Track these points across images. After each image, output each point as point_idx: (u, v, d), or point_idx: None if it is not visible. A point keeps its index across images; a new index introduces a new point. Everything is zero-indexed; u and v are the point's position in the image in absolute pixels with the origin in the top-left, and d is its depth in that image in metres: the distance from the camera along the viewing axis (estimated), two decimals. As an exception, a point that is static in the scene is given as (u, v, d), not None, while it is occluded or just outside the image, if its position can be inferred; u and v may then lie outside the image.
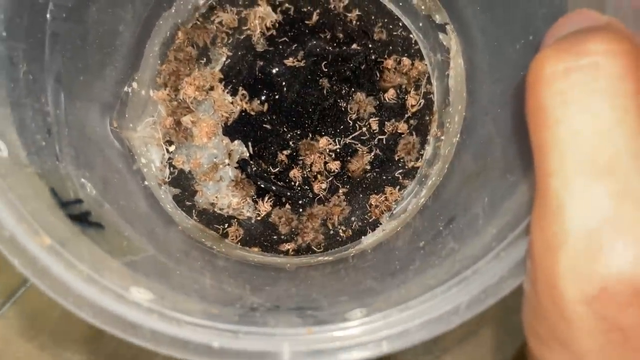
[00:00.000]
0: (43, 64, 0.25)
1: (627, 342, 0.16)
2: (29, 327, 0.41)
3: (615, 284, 0.15)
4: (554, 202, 0.16)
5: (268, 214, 0.35)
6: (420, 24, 0.35)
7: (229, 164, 0.35)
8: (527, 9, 0.25)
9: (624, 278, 0.15)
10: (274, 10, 0.36)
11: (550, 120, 0.17)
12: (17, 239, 0.19)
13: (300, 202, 0.35)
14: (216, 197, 0.35)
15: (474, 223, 0.23)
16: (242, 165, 0.35)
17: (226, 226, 0.34)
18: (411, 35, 0.36)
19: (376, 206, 0.34)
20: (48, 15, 0.25)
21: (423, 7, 0.34)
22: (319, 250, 0.34)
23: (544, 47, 0.19)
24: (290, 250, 0.34)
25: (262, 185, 0.35)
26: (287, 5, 0.36)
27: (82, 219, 0.23)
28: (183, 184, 0.35)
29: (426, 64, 0.35)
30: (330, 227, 0.35)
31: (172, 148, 0.35)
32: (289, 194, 0.35)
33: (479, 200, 0.25)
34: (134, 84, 0.34)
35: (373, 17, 0.36)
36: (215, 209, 0.35)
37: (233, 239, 0.34)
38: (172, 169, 0.35)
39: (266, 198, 0.35)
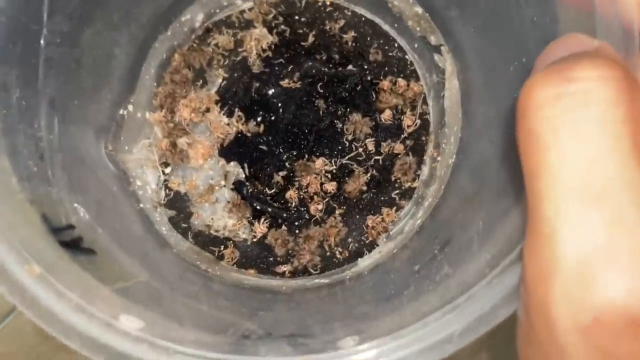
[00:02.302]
0: (37, 89, 0.25)
1: (620, 372, 0.15)
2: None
3: (608, 314, 0.15)
4: (546, 228, 0.16)
5: (264, 236, 0.34)
6: (416, 45, 0.35)
7: (224, 186, 0.35)
8: (520, 32, 0.25)
9: (616, 308, 0.15)
10: (270, 32, 0.36)
11: (541, 145, 0.16)
12: (6, 267, 0.19)
13: (296, 223, 0.35)
14: (212, 218, 0.35)
15: (468, 247, 0.23)
16: (238, 186, 0.35)
17: (222, 248, 0.34)
18: (407, 56, 0.36)
19: (373, 227, 0.34)
20: (42, 41, 0.25)
21: (418, 29, 0.34)
22: (315, 272, 0.34)
23: (534, 72, 0.19)
24: (287, 272, 0.34)
25: (258, 207, 0.35)
26: (283, 27, 0.36)
27: (73, 245, 0.23)
28: (179, 206, 0.35)
29: (422, 85, 0.35)
30: (327, 249, 0.34)
31: (167, 170, 0.35)
32: (285, 215, 0.35)
33: (474, 224, 0.24)
34: (130, 107, 0.34)
35: (369, 39, 0.36)
36: (211, 231, 0.34)
37: (229, 261, 0.34)
38: (167, 190, 0.35)
39: (262, 220, 0.35)
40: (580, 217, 0.16)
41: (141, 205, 0.33)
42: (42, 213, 0.22)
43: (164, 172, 0.35)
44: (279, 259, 0.34)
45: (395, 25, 0.35)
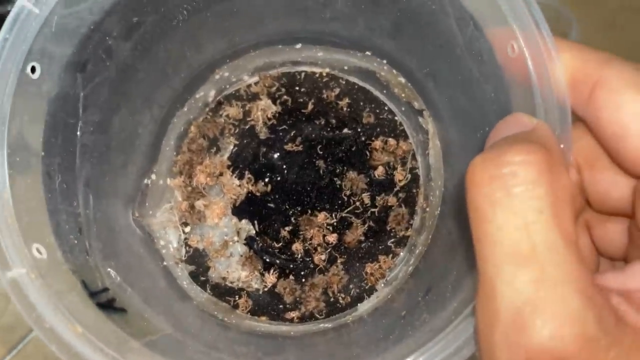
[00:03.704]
0: (74, 173, 0.30)
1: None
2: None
3: (537, 355, 0.18)
4: (488, 285, 0.20)
5: (274, 285, 0.38)
6: (403, 109, 0.39)
7: (237, 241, 0.39)
8: (483, 104, 0.29)
9: (543, 350, 0.18)
10: (274, 102, 0.41)
11: (482, 217, 0.20)
12: (55, 329, 0.23)
13: (302, 273, 0.39)
14: (227, 271, 0.39)
15: (444, 295, 0.27)
16: (249, 242, 0.39)
17: (237, 298, 0.38)
18: (396, 118, 0.40)
19: (371, 274, 0.38)
20: (78, 132, 0.30)
21: (403, 95, 0.38)
22: (320, 317, 0.37)
23: (484, 148, 0.23)
24: (295, 318, 0.38)
25: (268, 259, 0.39)
26: (285, 97, 0.41)
27: (108, 305, 0.27)
28: (198, 261, 0.39)
29: (410, 143, 0.39)
30: (331, 295, 0.38)
31: (187, 229, 0.39)
32: (292, 266, 0.39)
33: (450, 273, 0.28)
34: (153, 176, 0.39)
35: (361, 104, 0.40)
36: (227, 283, 0.38)
37: (243, 310, 0.38)
38: (187, 248, 0.39)
39: (272, 271, 0.39)
40: (513, 276, 0.19)
41: (165, 262, 0.37)
42: (82, 280, 0.27)
43: (184, 232, 0.39)
44: (287, 306, 0.38)
45: (384, 91, 0.40)
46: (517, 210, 0.20)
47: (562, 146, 0.23)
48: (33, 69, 0.27)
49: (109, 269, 0.30)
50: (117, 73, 0.32)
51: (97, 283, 0.28)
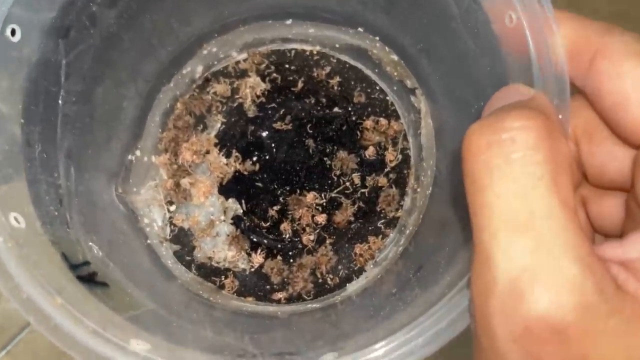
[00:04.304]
0: (55, 143, 0.29)
1: (547, 374, 0.18)
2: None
3: (535, 324, 0.18)
4: (484, 254, 0.19)
5: (261, 266, 0.38)
6: (395, 88, 0.39)
7: (224, 221, 0.38)
8: (478, 79, 0.28)
9: (541, 319, 0.18)
10: (263, 80, 0.40)
11: (479, 185, 0.20)
12: (33, 300, 0.22)
13: (290, 253, 0.38)
14: (213, 251, 0.38)
15: (436, 271, 0.26)
16: (236, 221, 0.38)
17: (223, 278, 0.37)
18: (387, 98, 0.39)
19: (361, 255, 0.37)
20: (60, 101, 0.29)
21: (395, 74, 0.38)
22: (308, 298, 0.37)
23: (482, 117, 0.23)
24: (282, 299, 0.37)
25: (255, 239, 0.38)
26: (274, 75, 0.40)
27: (89, 279, 0.26)
28: (183, 241, 0.38)
29: (402, 123, 0.39)
30: (319, 276, 0.37)
31: (172, 208, 0.38)
32: (279, 246, 0.38)
33: (442, 250, 0.28)
34: (137, 152, 0.37)
35: (352, 82, 0.40)
36: (213, 263, 0.38)
37: (229, 290, 0.37)
38: (172, 227, 0.38)
39: (259, 251, 0.38)
40: (510, 244, 0.19)
41: (149, 241, 0.36)
42: (62, 252, 0.26)
43: (169, 210, 0.38)
44: (275, 286, 0.37)
45: (376, 70, 0.39)
46: (515, 176, 0.19)
47: (560, 117, 0.23)
48: (13, 32, 0.26)
49: (90, 243, 0.29)
50: (102, 41, 0.31)
51: (78, 256, 0.27)
